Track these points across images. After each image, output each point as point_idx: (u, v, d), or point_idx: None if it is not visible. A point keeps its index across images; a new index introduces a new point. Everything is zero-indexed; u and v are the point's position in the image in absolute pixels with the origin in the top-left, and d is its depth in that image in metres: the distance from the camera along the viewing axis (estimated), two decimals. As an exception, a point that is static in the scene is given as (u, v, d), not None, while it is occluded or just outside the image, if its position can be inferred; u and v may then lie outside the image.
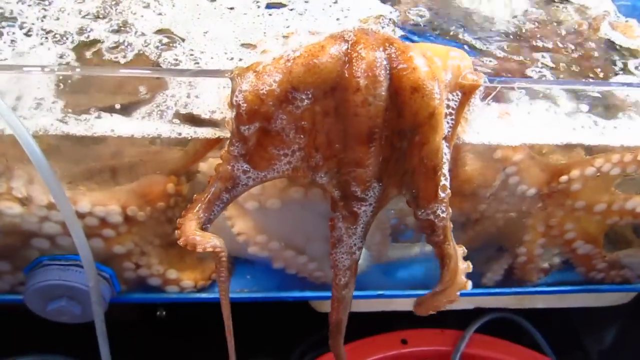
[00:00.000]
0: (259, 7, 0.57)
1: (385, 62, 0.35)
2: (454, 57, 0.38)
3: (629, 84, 0.50)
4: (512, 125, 0.43)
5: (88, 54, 0.48)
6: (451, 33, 0.59)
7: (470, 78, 0.38)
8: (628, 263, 0.58)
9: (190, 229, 0.39)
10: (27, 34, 0.50)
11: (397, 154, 0.39)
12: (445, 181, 0.40)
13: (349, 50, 0.35)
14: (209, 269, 0.54)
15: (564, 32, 0.62)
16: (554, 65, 0.56)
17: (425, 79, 0.35)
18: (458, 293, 0.43)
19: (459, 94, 0.39)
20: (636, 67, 0.59)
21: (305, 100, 0.36)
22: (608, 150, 0.46)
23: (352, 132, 0.37)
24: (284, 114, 0.36)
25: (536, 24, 0.64)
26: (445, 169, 0.39)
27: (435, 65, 0.36)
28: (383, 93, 0.35)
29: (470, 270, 0.43)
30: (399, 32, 0.55)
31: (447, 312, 0.65)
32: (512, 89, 0.41)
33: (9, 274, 0.50)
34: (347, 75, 0.35)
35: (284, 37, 0.53)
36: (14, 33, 0.50)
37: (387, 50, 0.35)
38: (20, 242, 0.47)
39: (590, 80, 0.52)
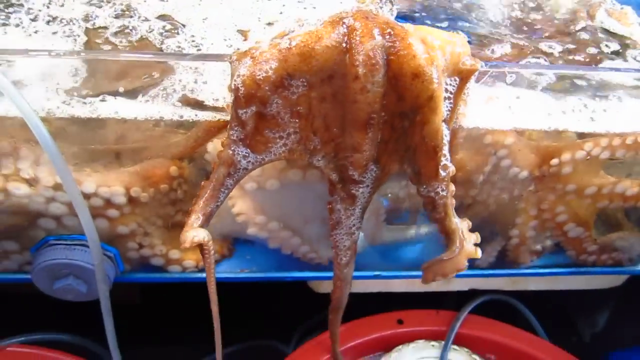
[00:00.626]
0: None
1: (384, 49, 0.36)
2: (453, 43, 0.39)
3: (617, 69, 0.51)
4: (502, 110, 0.44)
5: (96, 39, 0.49)
6: (447, 18, 0.60)
7: (469, 63, 0.39)
8: (619, 246, 0.59)
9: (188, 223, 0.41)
10: (34, 19, 0.51)
11: (398, 134, 0.40)
12: (445, 161, 0.41)
13: (347, 38, 0.36)
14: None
15: (560, 19, 0.63)
16: (550, 51, 0.57)
17: (424, 66, 0.36)
18: (466, 261, 0.44)
19: (457, 78, 0.41)
20: (633, 57, 0.60)
21: (301, 87, 0.38)
22: (597, 135, 0.47)
23: (350, 118, 0.39)
24: (279, 98, 0.37)
25: (532, 11, 0.65)
26: (445, 150, 0.41)
27: (434, 52, 0.37)
28: (381, 79, 0.37)
29: (479, 241, 0.44)
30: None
31: (442, 294, 0.67)
32: (503, 73, 0.43)
33: (17, 253, 0.52)
34: (346, 63, 0.36)
35: (268, 24, 0.54)
36: (20, 19, 0.51)
37: (386, 37, 0.36)
38: (27, 222, 0.49)
39: (581, 65, 0.53)
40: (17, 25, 0.50)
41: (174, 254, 0.54)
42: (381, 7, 0.40)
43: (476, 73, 0.41)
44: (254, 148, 0.40)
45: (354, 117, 0.38)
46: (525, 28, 0.62)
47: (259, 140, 0.39)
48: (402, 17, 0.60)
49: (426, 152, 0.40)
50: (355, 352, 0.61)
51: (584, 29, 0.62)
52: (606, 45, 0.59)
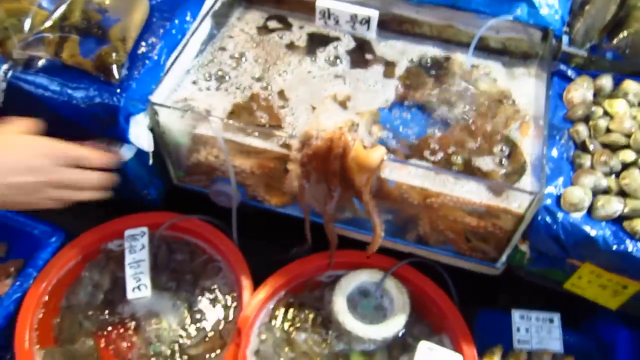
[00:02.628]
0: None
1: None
2: (377, 151, 0.98)
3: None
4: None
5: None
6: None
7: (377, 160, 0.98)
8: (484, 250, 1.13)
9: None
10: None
11: (347, 183, 1.01)
12: (367, 194, 1.01)
13: (332, 144, 0.97)
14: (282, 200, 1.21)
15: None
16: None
17: (363, 161, 0.97)
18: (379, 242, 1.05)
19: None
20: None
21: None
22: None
23: (329, 172, 1.00)
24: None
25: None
26: (366, 191, 1.01)
27: (366, 156, 0.97)
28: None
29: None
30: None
31: (398, 253, 1.25)
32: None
33: (202, 181, 1.22)
34: (330, 151, 0.98)
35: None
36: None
37: (347, 145, 0.97)
38: (211, 172, 1.18)
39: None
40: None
41: (267, 197, 1.21)
42: (355, 130, 1.00)
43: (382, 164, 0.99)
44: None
45: (330, 172, 1.00)
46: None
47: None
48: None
49: (360, 193, 1.01)
50: (340, 265, 1.23)
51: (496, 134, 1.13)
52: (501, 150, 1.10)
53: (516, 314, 1.17)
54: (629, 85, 1.15)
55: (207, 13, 1.21)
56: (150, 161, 1.12)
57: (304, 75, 1.22)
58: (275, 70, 1.22)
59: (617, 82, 1.17)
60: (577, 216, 0.98)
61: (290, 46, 1.28)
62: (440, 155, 1.09)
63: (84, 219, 1.31)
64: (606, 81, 1.16)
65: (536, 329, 1.16)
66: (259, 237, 1.29)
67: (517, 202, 1.01)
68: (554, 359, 1.14)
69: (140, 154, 1.13)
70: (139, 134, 1.06)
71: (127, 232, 1.25)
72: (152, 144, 1.10)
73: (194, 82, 1.18)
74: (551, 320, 1.17)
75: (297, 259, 1.23)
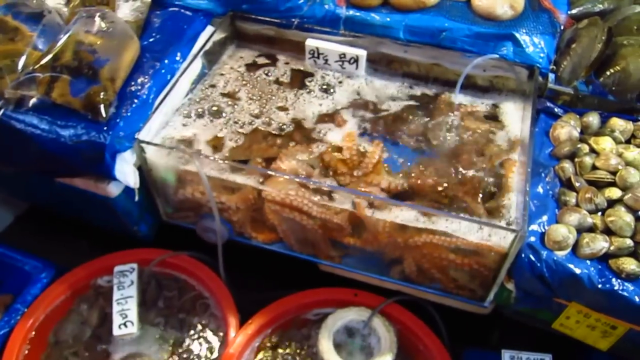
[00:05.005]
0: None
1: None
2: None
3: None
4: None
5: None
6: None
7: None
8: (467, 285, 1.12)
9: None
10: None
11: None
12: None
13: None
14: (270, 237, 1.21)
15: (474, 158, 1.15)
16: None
17: None
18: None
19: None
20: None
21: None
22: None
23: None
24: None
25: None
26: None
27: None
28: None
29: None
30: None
31: (382, 288, 1.23)
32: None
33: (192, 217, 1.23)
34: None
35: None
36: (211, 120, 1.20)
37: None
38: (198, 208, 1.19)
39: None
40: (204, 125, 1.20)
41: (255, 234, 1.21)
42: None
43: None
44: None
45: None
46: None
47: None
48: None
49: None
50: (328, 303, 1.22)
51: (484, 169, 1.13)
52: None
53: (506, 355, 1.15)
54: (616, 122, 1.15)
55: (198, 53, 1.24)
56: (136, 197, 1.14)
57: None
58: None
59: (604, 120, 1.17)
60: (561, 254, 0.97)
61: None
62: (422, 192, 1.08)
63: (75, 255, 1.33)
64: (593, 118, 1.16)
65: (528, 370, 1.14)
66: (247, 271, 1.29)
67: (500, 239, 1.00)
68: (545, 401, 1.11)
69: (129, 190, 1.14)
70: (125, 170, 1.08)
71: (117, 269, 1.25)
72: (138, 181, 1.11)
73: (185, 119, 1.20)
74: (542, 361, 1.14)
75: (283, 297, 1.22)
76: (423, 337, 1.17)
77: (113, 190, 1.12)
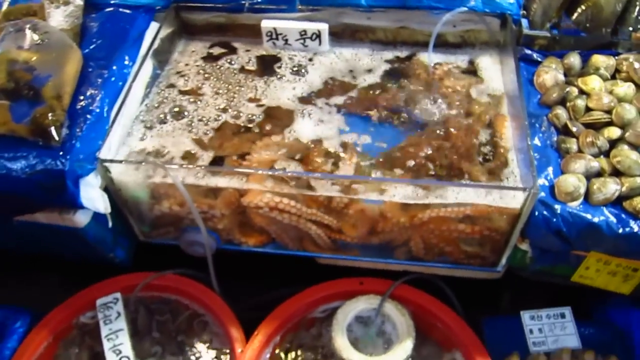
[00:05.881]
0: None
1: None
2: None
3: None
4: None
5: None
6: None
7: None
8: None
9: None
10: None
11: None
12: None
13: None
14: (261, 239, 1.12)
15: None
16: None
17: None
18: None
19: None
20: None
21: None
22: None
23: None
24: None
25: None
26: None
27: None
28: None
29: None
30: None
31: (389, 271, 1.17)
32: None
33: (173, 232, 1.12)
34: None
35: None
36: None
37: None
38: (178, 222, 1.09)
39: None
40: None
41: (244, 239, 1.12)
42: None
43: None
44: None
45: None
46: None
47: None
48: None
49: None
50: (333, 297, 1.15)
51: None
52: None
53: (526, 316, 1.10)
54: (597, 59, 1.11)
55: (147, 53, 1.13)
56: (110, 223, 1.02)
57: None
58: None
59: (584, 59, 1.13)
60: (575, 205, 0.92)
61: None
62: (416, 164, 1.01)
63: (49, 295, 1.20)
64: (574, 59, 1.12)
65: (549, 328, 1.10)
66: (239, 278, 1.19)
67: (510, 200, 0.94)
68: (574, 356, 1.07)
69: (98, 216, 1.03)
70: (92, 196, 0.96)
71: (99, 302, 1.14)
72: (108, 205, 1.00)
73: (146, 127, 1.09)
74: (563, 316, 1.10)
75: (285, 297, 1.14)
76: (439, 314, 1.11)
77: (81, 219, 1.01)
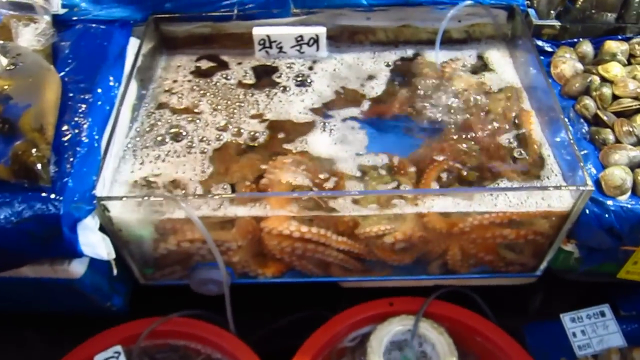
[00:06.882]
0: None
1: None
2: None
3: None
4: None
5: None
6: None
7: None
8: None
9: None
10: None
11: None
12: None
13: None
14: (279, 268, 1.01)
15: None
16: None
17: None
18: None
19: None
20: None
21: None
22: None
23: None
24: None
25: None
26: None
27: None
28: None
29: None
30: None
31: (418, 288, 1.09)
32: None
33: (180, 271, 0.99)
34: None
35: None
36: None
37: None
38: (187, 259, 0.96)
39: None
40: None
41: (261, 271, 1.00)
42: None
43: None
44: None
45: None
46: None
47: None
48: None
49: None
50: (362, 322, 1.05)
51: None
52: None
53: (567, 319, 1.04)
54: (611, 45, 1.07)
55: (132, 71, 0.99)
56: (115, 271, 0.88)
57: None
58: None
59: (595, 46, 1.09)
60: (624, 199, 0.87)
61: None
62: (448, 170, 0.94)
63: (35, 355, 1.05)
64: (587, 47, 1.08)
65: (592, 328, 1.04)
66: (253, 312, 1.08)
67: (557, 199, 0.88)
68: (622, 355, 1.02)
69: (94, 263, 0.89)
70: (92, 241, 0.82)
71: (97, 358, 0.99)
72: (112, 250, 0.86)
73: (141, 156, 0.96)
74: (603, 314, 1.05)
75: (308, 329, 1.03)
76: (477, 327, 1.03)
77: (77, 269, 0.86)
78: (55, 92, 0.86)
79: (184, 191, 0.90)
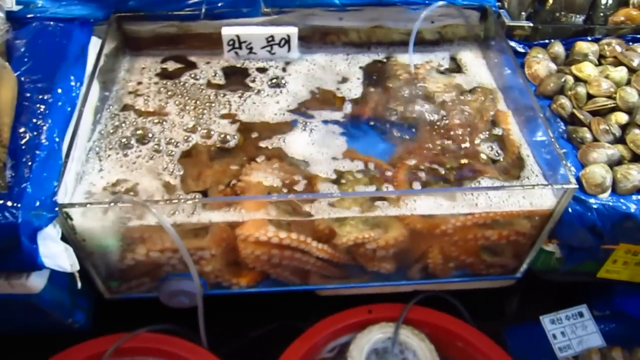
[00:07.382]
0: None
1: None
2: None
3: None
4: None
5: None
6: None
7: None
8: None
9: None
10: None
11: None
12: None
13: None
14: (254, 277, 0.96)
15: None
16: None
17: None
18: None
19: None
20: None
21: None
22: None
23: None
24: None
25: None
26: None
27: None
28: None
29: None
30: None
31: (397, 294, 1.06)
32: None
33: (149, 283, 0.93)
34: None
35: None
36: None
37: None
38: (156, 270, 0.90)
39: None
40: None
41: (235, 280, 0.95)
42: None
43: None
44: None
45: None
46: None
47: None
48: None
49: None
50: (341, 331, 1.01)
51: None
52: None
53: (546, 320, 1.03)
54: (582, 46, 1.08)
55: (94, 71, 0.94)
56: (79, 284, 0.82)
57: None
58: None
59: (567, 47, 1.10)
60: (605, 197, 0.87)
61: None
62: (426, 170, 0.91)
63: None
64: (558, 47, 1.08)
65: (571, 329, 1.03)
66: (223, 322, 1.02)
67: (540, 199, 0.87)
68: (602, 355, 1.02)
69: (54, 276, 0.82)
70: (55, 252, 0.76)
71: (59, 381, 0.92)
72: (76, 261, 0.80)
73: (105, 159, 0.89)
74: (581, 315, 1.04)
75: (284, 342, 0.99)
76: (459, 332, 1.01)
77: (36, 283, 0.79)
78: (10, 91, 0.80)
79: (152, 196, 0.84)
